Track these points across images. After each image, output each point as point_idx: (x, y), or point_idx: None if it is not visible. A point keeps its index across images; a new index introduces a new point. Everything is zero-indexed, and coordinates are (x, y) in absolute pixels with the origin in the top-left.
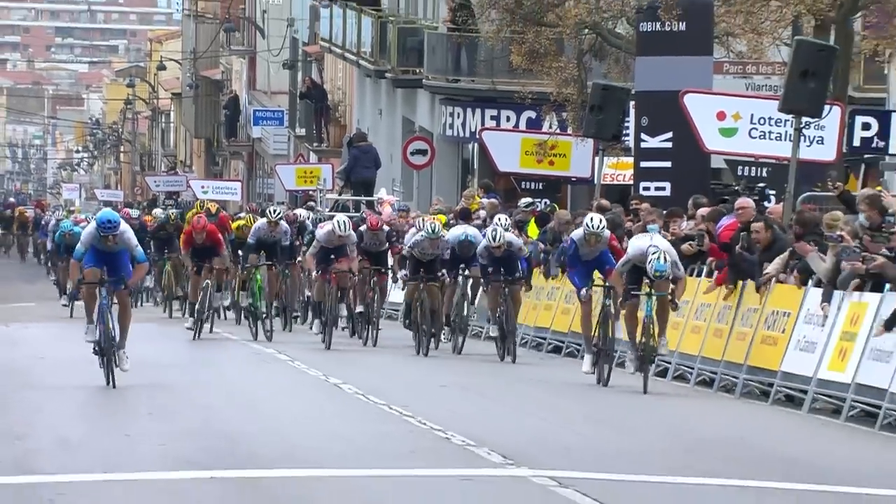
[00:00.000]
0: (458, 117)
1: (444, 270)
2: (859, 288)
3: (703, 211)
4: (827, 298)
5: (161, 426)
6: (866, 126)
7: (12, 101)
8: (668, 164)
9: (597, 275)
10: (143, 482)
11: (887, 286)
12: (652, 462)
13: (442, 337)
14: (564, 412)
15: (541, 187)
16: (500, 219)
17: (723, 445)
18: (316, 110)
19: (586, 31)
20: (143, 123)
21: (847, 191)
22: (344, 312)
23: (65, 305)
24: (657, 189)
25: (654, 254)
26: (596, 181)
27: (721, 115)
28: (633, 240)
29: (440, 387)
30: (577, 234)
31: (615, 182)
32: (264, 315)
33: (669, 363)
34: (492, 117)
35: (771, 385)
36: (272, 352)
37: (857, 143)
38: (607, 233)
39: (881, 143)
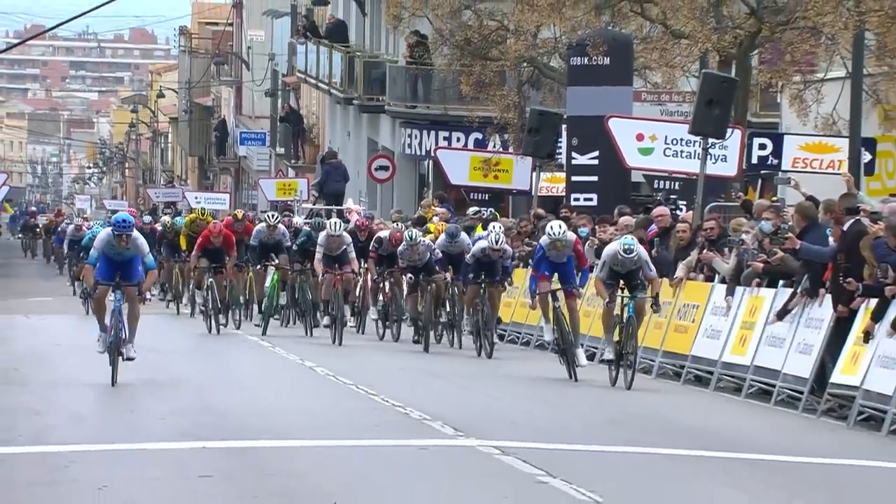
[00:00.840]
0: (416, 138)
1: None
2: (758, 284)
3: (626, 220)
4: (730, 292)
5: (160, 403)
6: (762, 146)
7: (33, 125)
8: (595, 178)
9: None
10: (145, 451)
11: (780, 283)
12: (581, 433)
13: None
14: (511, 392)
15: (486, 198)
16: (494, 226)
17: (641, 419)
18: (293, 132)
19: (525, 64)
20: (144, 143)
21: (748, 201)
22: (348, 311)
23: (81, 298)
24: (586, 200)
25: (622, 239)
26: (533, 193)
27: (640, 137)
28: (607, 247)
29: (400, 370)
30: (543, 240)
31: (550, 194)
32: (279, 311)
33: (596, 349)
34: (444, 138)
35: (682, 367)
36: (255, 339)
37: (755, 160)
38: (571, 235)
39: (775, 161)
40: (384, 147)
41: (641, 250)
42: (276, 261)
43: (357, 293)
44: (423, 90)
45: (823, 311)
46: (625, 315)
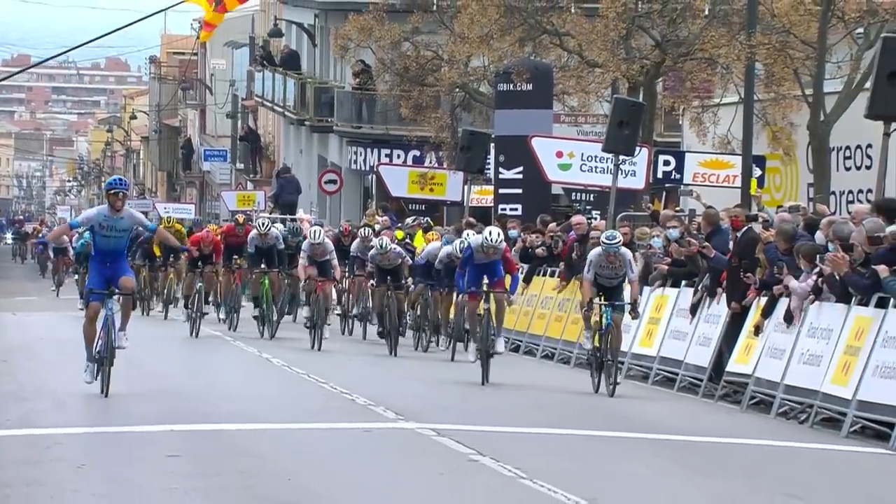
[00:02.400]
0: (361, 155)
1: (409, 278)
2: (661, 285)
3: (552, 226)
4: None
5: (134, 391)
6: (667, 163)
7: (18, 143)
8: (519, 190)
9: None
10: (121, 434)
11: (683, 283)
12: (509, 417)
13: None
14: (446, 381)
15: (423, 208)
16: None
17: (560, 404)
18: (252, 149)
19: (457, 90)
20: (119, 160)
21: (656, 211)
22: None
23: (81, 309)
24: (511, 210)
25: (606, 232)
26: (465, 204)
27: (559, 154)
28: (592, 250)
29: (348, 360)
30: (474, 240)
31: (480, 205)
32: (272, 316)
33: (521, 342)
34: (386, 155)
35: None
36: (219, 333)
37: (660, 175)
38: (503, 245)
39: (678, 176)
40: (333, 163)
41: (625, 250)
42: (266, 266)
43: (340, 298)
44: (368, 112)
45: (720, 307)
46: (603, 322)
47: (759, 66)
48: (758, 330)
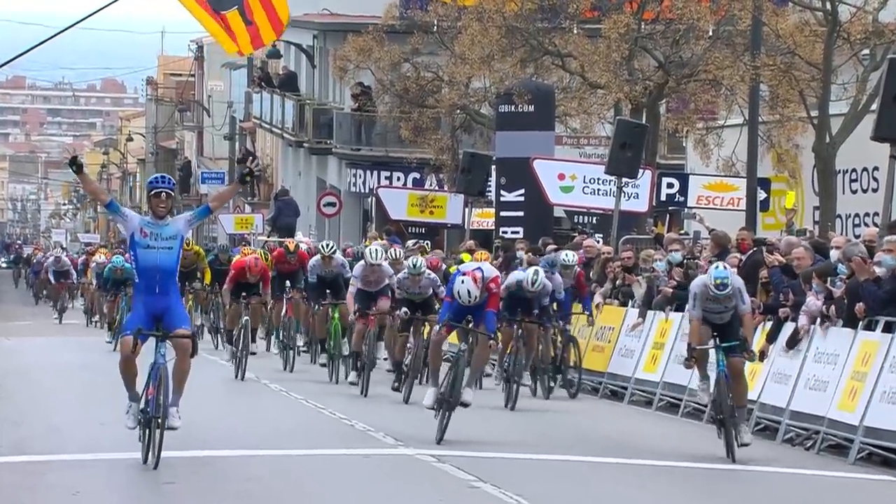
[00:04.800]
0: (360, 177)
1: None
2: (668, 309)
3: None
4: (642, 315)
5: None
6: (670, 185)
7: (13, 166)
8: (521, 213)
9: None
10: (115, 460)
11: (687, 306)
12: (510, 444)
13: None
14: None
15: (423, 231)
16: (536, 270)
17: (563, 430)
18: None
19: (458, 111)
20: (115, 182)
21: (660, 234)
22: (383, 353)
23: (108, 342)
24: (513, 232)
25: (714, 267)
26: (466, 227)
27: (561, 176)
28: (695, 280)
29: (349, 386)
30: (465, 266)
31: (481, 227)
32: (342, 356)
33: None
34: (385, 177)
35: (601, 383)
36: (216, 358)
37: (663, 198)
38: (491, 271)
39: (681, 199)
40: (332, 185)
41: (736, 279)
42: (333, 298)
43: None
44: (367, 134)
45: None
46: (715, 371)
47: (763, 87)
48: (762, 356)
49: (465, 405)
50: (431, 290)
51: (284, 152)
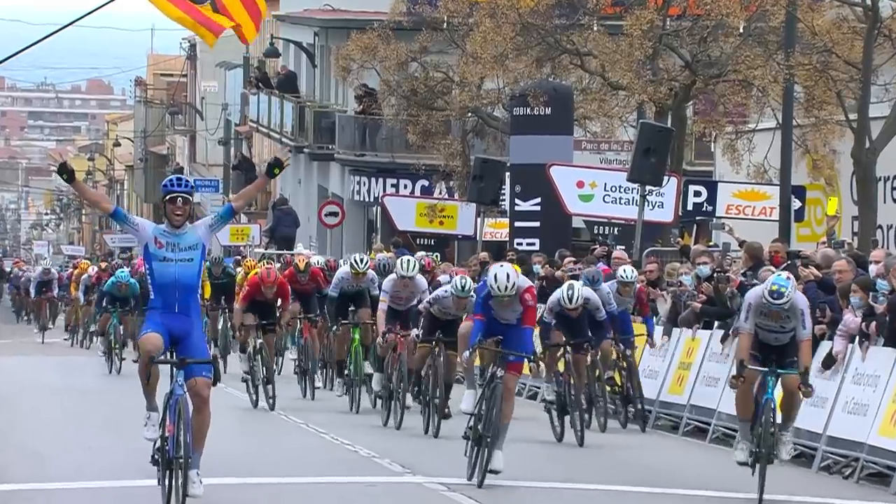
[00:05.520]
0: (364, 185)
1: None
2: (695, 327)
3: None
4: (667, 333)
5: (117, 441)
6: (697, 193)
7: None
8: (537, 223)
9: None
10: (104, 489)
11: (715, 324)
12: (522, 471)
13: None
14: (456, 432)
15: (432, 243)
16: (570, 284)
17: (576, 456)
18: (246, 180)
19: (469, 114)
20: (101, 191)
21: (686, 246)
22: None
23: (102, 355)
24: (528, 244)
25: (776, 275)
26: (478, 238)
27: (580, 184)
28: (751, 290)
29: (353, 413)
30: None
31: (494, 239)
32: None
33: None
34: (392, 185)
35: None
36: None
37: (690, 207)
38: (524, 281)
39: (709, 208)
40: (334, 194)
41: (799, 297)
42: (356, 315)
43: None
44: (372, 139)
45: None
46: (761, 398)
47: (798, 88)
48: None
49: (495, 472)
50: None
51: None
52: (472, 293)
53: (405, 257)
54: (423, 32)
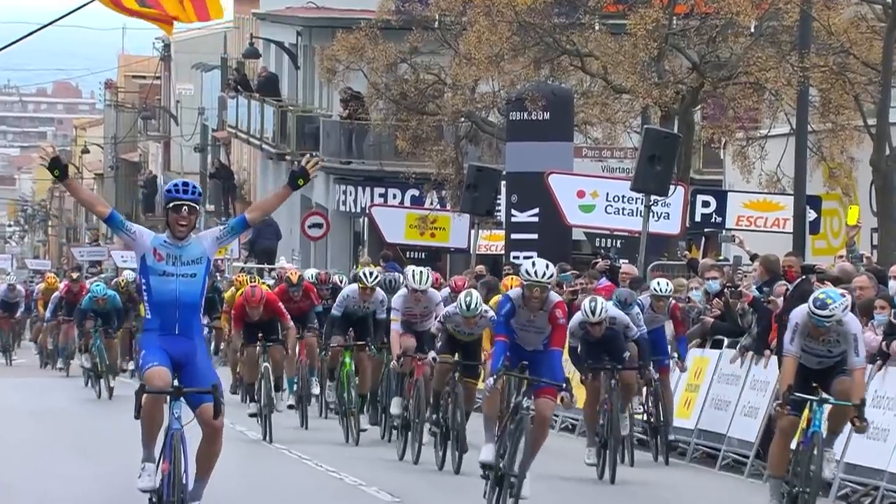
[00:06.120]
0: (350, 195)
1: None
2: (700, 345)
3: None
4: (675, 351)
5: (91, 468)
6: (706, 204)
7: None
8: (535, 236)
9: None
10: None
11: (725, 342)
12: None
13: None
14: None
15: (423, 256)
16: (593, 298)
17: (580, 484)
18: (224, 189)
19: (462, 119)
20: (69, 201)
21: (694, 259)
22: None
23: (61, 369)
24: (525, 258)
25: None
26: (472, 251)
27: (581, 194)
28: (797, 311)
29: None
30: (514, 292)
31: (489, 252)
32: (354, 410)
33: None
34: (380, 195)
35: None
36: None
37: (698, 218)
38: (554, 296)
39: (719, 219)
40: (318, 204)
41: (852, 321)
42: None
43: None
44: (358, 145)
45: (769, 373)
46: (810, 430)
47: (813, 91)
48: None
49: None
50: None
51: (264, 166)
52: (480, 311)
53: (416, 268)
54: (414, 32)
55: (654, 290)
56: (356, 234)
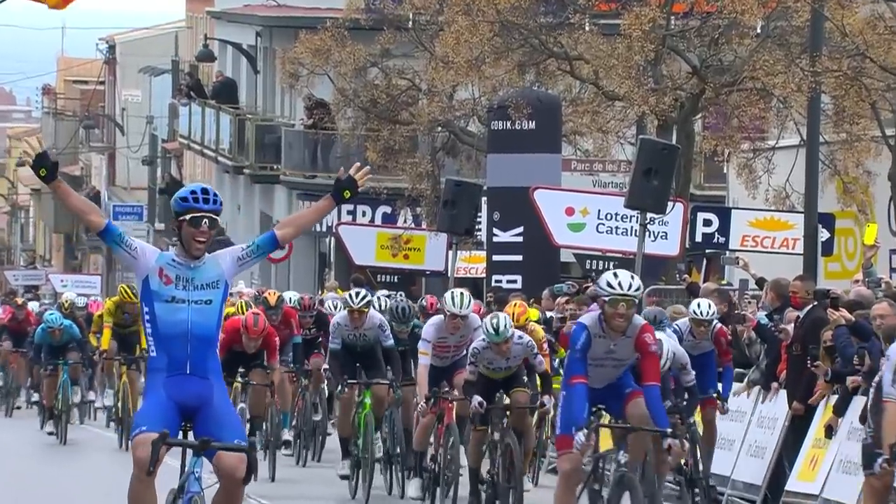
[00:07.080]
0: None
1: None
2: None
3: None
4: None
5: None
6: (707, 222)
7: None
8: (519, 257)
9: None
10: None
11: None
12: None
13: None
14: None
15: (396, 280)
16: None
17: None
18: None
19: (439, 128)
20: (2, 219)
21: (694, 283)
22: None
23: (50, 433)
24: (509, 282)
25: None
26: (450, 274)
27: (570, 211)
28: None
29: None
30: (588, 318)
31: (468, 275)
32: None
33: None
34: (348, 212)
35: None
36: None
37: (699, 238)
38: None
39: (721, 239)
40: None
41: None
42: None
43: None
44: (324, 158)
45: (777, 408)
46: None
47: (825, 98)
48: (829, 431)
49: None
50: (521, 360)
51: (219, 180)
52: (511, 334)
53: (455, 290)
54: (385, 32)
55: (694, 313)
56: (322, 256)
